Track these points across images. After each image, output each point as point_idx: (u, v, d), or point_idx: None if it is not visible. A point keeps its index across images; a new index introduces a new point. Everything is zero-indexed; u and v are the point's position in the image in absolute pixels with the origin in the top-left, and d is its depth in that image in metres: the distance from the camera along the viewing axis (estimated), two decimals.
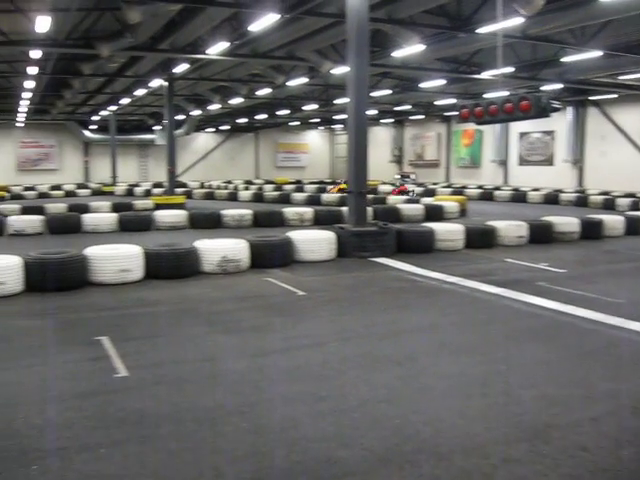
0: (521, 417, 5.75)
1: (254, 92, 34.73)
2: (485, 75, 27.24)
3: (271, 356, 7.64)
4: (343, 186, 41.87)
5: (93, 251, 12.36)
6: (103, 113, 45.95)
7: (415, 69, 27.81)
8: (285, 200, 34.08)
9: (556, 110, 13.30)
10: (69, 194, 42.88)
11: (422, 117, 49.97)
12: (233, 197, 38.19)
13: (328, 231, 15.45)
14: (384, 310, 10.27)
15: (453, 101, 36.75)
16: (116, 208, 27.20)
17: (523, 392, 6.39)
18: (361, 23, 15.47)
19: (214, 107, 40.05)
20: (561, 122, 38.32)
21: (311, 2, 16.41)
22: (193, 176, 57.30)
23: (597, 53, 22.32)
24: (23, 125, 51.25)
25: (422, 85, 31.67)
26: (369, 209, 19.21)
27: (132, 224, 21.98)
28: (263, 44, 22.46)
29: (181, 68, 26.59)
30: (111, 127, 47.89)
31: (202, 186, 49.86)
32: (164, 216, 22.90)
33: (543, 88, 29.31)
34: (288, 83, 29.79)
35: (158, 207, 27.36)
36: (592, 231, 18.96)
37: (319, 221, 22.87)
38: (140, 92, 34.05)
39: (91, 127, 53.21)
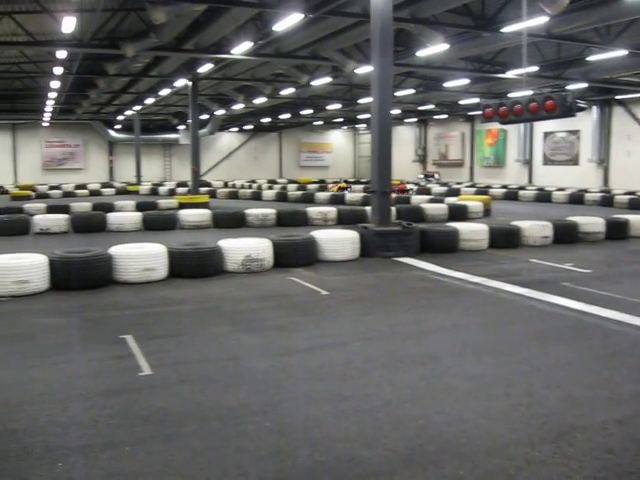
0: (545, 418, 5.71)
1: (278, 92, 34.80)
2: (509, 74, 27.13)
3: (295, 355, 7.65)
4: (342, 185, 42.46)
5: (118, 250, 12.43)
6: (128, 113, 46.28)
7: (439, 68, 27.75)
8: (309, 199, 34.10)
9: (581, 109, 13.22)
10: (94, 193, 43.22)
11: (446, 117, 49.84)
12: (257, 196, 38.27)
13: (351, 231, 15.44)
14: (408, 310, 10.25)
15: (477, 100, 36.60)
16: (140, 207, 27.39)
17: (547, 393, 6.35)
18: (385, 23, 15.44)
19: (238, 107, 40.17)
20: (586, 121, 38.04)
21: (335, 2, 16.43)
22: (217, 175, 57.53)
23: (622, 52, 22.14)
24: (48, 125, 51.75)
25: (446, 84, 31.59)
26: (392, 209, 19.16)
27: (156, 223, 22.11)
28: (287, 44, 22.50)
29: (205, 68, 26.69)
30: (136, 127, 48.20)
31: (226, 185, 50.03)
32: (188, 215, 23.00)
33: (568, 87, 29.08)
34: (312, 83, 29.82)
35: (182, 206, 27.50)
36: (617, 231, 18.78)
37: (342, 220, 22.87)
38: (164, 92, 34.23)
39: (116, 127, 53.62)
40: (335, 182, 47.80)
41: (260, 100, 36.69)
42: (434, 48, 20.24)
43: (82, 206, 27.15)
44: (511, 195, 38.11)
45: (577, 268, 13.91)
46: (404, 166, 53.00)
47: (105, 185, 48.59)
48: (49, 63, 27.74)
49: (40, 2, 18.21)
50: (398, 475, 4.76)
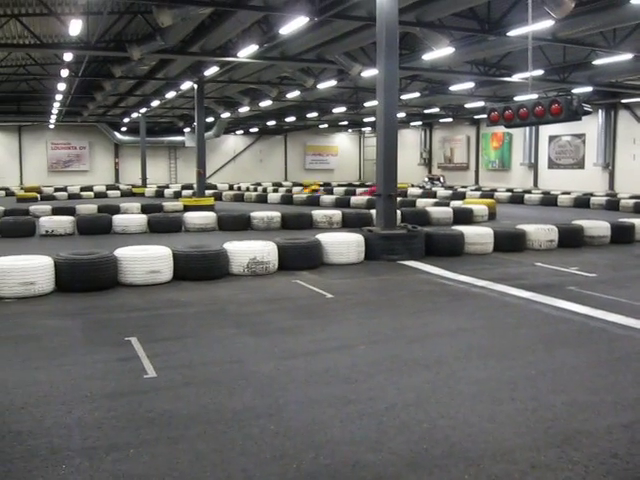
0: (551, 422, 5.69)
1: (283, 95, 34.87)
2: (515, 78, 27.14)
3: (299, 358, 7.64)
4: (315, 187, 42.97)
5: (123, 252, 12.45)
6: (134, 115, 46.38)
7: (444, 72, 27.79)
8: (314, 202, 34.10)
9: (587, 113, 13.18)
10: (99, 195, 43.24)
11: (451, 120, 49.85)
12: (262, 199, 38.27)
13: (357, 234, 15.43)
14: (413, 313, 10.24)
15: (482, 104, 36.60)
16: (146, 210, 27.42)
17: (553, 397, 6.33)
18: (391, 26, 15.45)
19: (244, 109, 40.26)
20: (592, 125, 38.04)
21: (341, 5, 16.45)
22: (222, 178, 57.63)
23: (628, 56, 22.16)
24: (54, 127, 51.86)
25: (451, 88, 31.65)
26: (398, 212, 19.14)
27: (161, 225, 22.11)
28: (293, 47, 22.54)
29: (211, 71, 26.74)
30: (141, 129, 48.29)
31: (231, 188, 50.08)
32: (193, 218, 23.01)
33: (573, 91, 29.08)
34: (317, 86, 29.86)
35: (187, 209, 27.53)
36: (623, 235, 18.73)
37: (348, 224, 22.85)
38: (170, 94, 34.33)
39: (122, 129, 53.69)
40: (306, 186, 48.64)
41: (266, 103, 36.74)
42: (440, 51, 20.26)
43: (87, 208, 27.20)
44: (516, 199, 38.04)
45: (582, 272, 13.88)
46: (409, 169, 52.99)
47: (110, 187, 48.66)
48: (55, 65, 27.84)
49: (47, 5, 18.27)
50: (403, 479, 4.75)
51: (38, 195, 40.56)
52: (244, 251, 13.39)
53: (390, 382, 6.75)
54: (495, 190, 41.95)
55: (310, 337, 8.64)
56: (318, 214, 23.74)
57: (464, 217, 24.33)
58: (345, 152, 65.26)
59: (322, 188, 44.23)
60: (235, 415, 5.87)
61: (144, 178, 48.45)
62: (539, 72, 25.99)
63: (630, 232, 18.97)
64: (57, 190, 44.95)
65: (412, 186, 46.74)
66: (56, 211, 26.44)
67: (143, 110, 43.40)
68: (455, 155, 53.53)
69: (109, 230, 21.80)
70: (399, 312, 10.27)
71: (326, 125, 57.38)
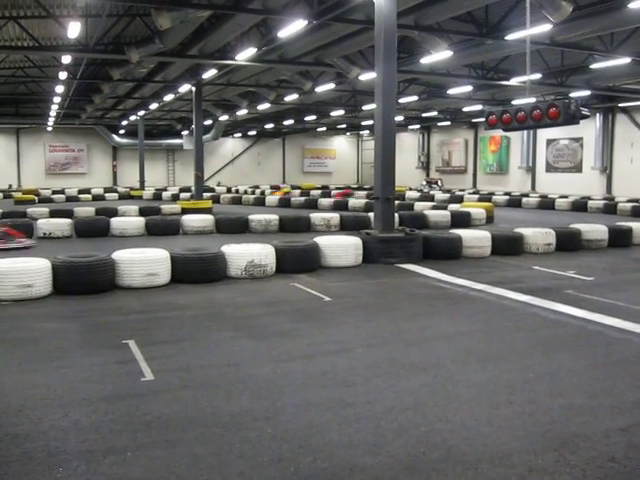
0: (548, 426, 5.69)
1: (282, 98, 34.87)
2: (513, 82, 27.18)
3: (297, 362, 7.63)
4: (286, 190, 43.35)
5: (121, 255, 12.44)
6: (132, 118, 46.33)
7: (442, 75, 27.83)
8: (312, 205, 34.10)
9: (585, 117, 13.21)
10: (97, 198, 43.20)
11: (449, 123, 49.88)
12: (260, 202, 38.25)
13: (354, 237, 15.44)
14: (411, 317, 10.24)
15: (480, 107, 36.67)
16: (144, 212, 27.44)
17: (550, 401, 6.33)
18: (389, 29, 15.46)
19: (242, 112, 40.28)
20: (589, 129, 38.11)
21: (339, 9, 16.46)
22: (220, 180, 57.55)
23: (625, 60, 22.20)
24: (52, 129, 51.82)
25: (449, 91, 31.66)
26: (396, 215, 19.15)
27: (159, 228, 22.10)
28: (291, 50, 22.56)
29: (209, 74, 26.74)
30: (139, 132, 48.24)
31: (229, 191, 50.07)
32: (191, 221, 23.00)
33: (571, 95, 29.11)
34: (316, 89, 29.87)
35: (185, 211, 27.53)
36: (621, 239, 18.76)
37: (346, 227, 22.86)
38: (169, 97, 34.33)
39: (120, 132, 53.64)
40: (278, 187, 49.58)
41: (264, 106, 36.74)
42: (438, 55, 20.28)
43: (85, 211, 27.21)
44: (514, 202, 38.04)
45: (580, 275, 13.89)
46: (407, 172, 53.01)
47: (108, 190, 48.61)
48: (54, 68, 27.84)
49: (45, 7, 18.27)
50: None
51: (36, 198, 40.54)
52: (242, 254, 13.38)
53: (388, 385, 6.75)
54: (493, 193, 41.99)
55: (308, 340, 8.64)
56: (316, 217, 23.74)
57: (462, 220, 24.33)
58: (343, 155, 65.29)
59: (293, 191, 44.82)
60: (232, 418, 5.87)
61: (142, 181, 48.41)
62: (537, 76, 26.03)
63: (627, 236, 19.00)
64: (55, 193, 44.90)
65: (410, 189, 46.74)
66: (54, 214, 26.41)
67: (141, 113, 43.39)
68: (453, 158, 53.57)
69: (107, 233, 21.78)
70: (397, 315, 10.27)
71: (324, 128, 57.40)
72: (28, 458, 5.05)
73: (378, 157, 16.08)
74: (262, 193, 45.40)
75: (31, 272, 11.16)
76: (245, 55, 21.44)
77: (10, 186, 46.10)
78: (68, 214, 25.79)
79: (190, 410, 6.06)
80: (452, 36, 20.54)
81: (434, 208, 28.59)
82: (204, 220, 23.19)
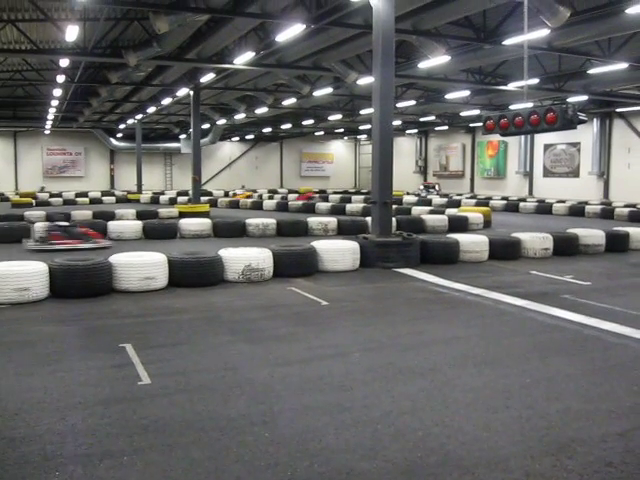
0: (545, 431, 5.69)
1: (279, 102, 34.91)
2: (510, 86, 27.22)
3: (294, 366, 7.63)
4: (248, 193, 46.14)
5: (118, 258, 12.43)
6: (129, 121, 46.34)
7: (440, 80, 27.84)
8: (309, 210, 34.11)
9: (582, 122, 13.21)
10: (94, 201, 43.16)
11: (446, 128, 49.95)
12: (257, 206, 38.26)
13: (352, 241, 15.43)
14: (408, 321, 10.24)
15: (478, 112, 36.72)
16: (141, 216, 27.40)
17: (547, 405, 6.33)
18: (387, 34, 15.47)
19: (240, 116, 40.30)
20: (587, 134, 38.16)
21: (337, 13, 16.48)
22: (218, 185, 57.60)
23: (623, 65, 22.25)
24: (50, 132, 51.83)
25: (447, 96, 31.73)
26: (393, 219, 19.14)
27: (157, 232, 22.09)
28: (289, 54, 22.57)
29: (207, 77, 26.76)
30: (137, 135, 48.24)
31: (226, 195, 50.06)
32: (189, 224, 22.99)
33: (569, 100, 29.16)
34: (314, 93, 29.89)
35: (183, 215, 27.52)
36: (618, 244, 18.78)
37: (343, 231, 22.87)
38: (166, 101, 34.32)
39: (117, 135, 53.65)
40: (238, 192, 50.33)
41: (262, 110, 36.77)
42: (435, 60, 20.31)
43: (83, 214, 27.17)
44: (511, 207, 38.07)
45: (577, 280, 13.90)
46: (405, 177, 53.07)
47: (106, 193, 48.59)
48: (52, 71, 27.86)
49: (43, 10, 18.28)
50: None
51: (33, 201, 40.49)
52: (239, 258, 13.38)
53: (385, 390, 6.75)
54: (490, 198, 42.00)
55: (305, 344, 8.63)
56: (313, 221, 23.75)
57: (459, 225, 24.36)
58: (341, 159, 65.34)
59: (256, 194, 45.47)
60: (229, 422, 5.86)
61: (139, 184, 48.39)
62: (534, 81, 26.07)
63: (625, 241, 19.03)
64: (52, 196, 44.88)
65: (407, 194, 46.76)
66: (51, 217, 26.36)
67: (139, 116, 43.37)
68: (450, 163, 53.61)
69: (104, 236, 21.73)
70: (394, 320, 10.27)
71: (322, 132, 57.44)
72: (24, 462, 5.04)
73: (376, 161, 16.09)
74: (260, 197, 45.40)
75: (28, 275, 11.15)
76: (243, 59, 21.45)
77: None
78: (65, 218, 25.73)
79: (187, 414, 6.06)
80: (450, 41, 20.57)
81: (431, 212, 28.66)
82: (202, 224, 23.18)
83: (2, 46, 23.52)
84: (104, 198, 45.07)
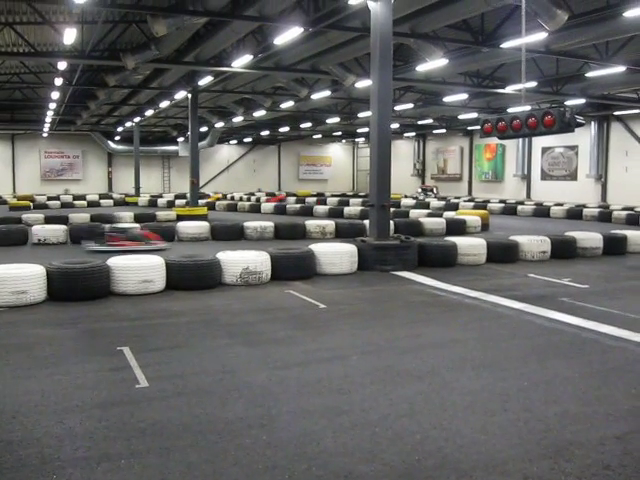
0: (543, 434, 5.69)
1: (277, 105, 34.91)
2: (508, 89, 27.23)
3: (292, 369, 7.62)
4: (217, 197, 46.91)
5: (115, 261, 12.43)
6: (127, 124, 46.33)
7: (438, 83, 27.88)
8: (307, 212, 34.10)
9: (580, 125, 13.22)
10: (92, 204, 43.13)
11: (444, 131, 49.93)
12: (255, 209, 38.25)
13: (350, 244, 15.43)
14: (406, 324, 10.23)
15: (475, 115, 36.74)
16: (139, 219, 27.37)
17: (545, 408, 6.33)
18: (385, 37, 15.49)
19: (237, 119, 40.30)
20: (584, 137, 38.19)
21: (335, 16, 16.49)
22: (216, 188, 57.63)
23: (620, 68, 22.27)
24: (48, 135, 51.78)
25: (445, 99, 31.74)
26: (391, 222, 19.14)
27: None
28: (287, 57, 22.58)
29: (205, 80, 26.76)
30: (135, 138, 48.18)
31: (224, 198, 50.04)
32: (186, 227, 22.97)
33: (566, 103, 29.19)
34: (312, 96, 29.91)
35: (180, 218, 27.50)
36: (615, 247, 18.80)
37: (341, 234, 22.87)
38: (164, 104, 34.34)
39: (115, 138, 53.63)
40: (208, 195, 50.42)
41: (260, 113, 36.77)
42: (433, 63, 20.33)
43: (80, 217, 27.16)
44: (509, 210, 38.10)
45: (575, 283, 13.91)
46: (403, 180, 53.08)
47: (103, 196, 48.56)
48: (49, 74, 27.84)
49: (41, 13, 18.28)
50: None
51: (31, 204, 40.47)
52: (237, 261, 13.38)
53: (383, 393, 6.74)
54: (488, 201, 42.03)
55: (303, 347, 8.63)
56: (311, 224, 23.73)
57: (457, 228, 24.37)
58: (339, 162, 65.35)
59: (228, 197, 46.15)
60: (227, 425, 5.85)
61: (137, 187, 48.37)
62: (532, 84, 26.10)
63: (622, 244, 19.05)
64: (50, 199, 44.84)
65: (405, 197, 46.80)
66: (49, 220, 26.35)
67: (137, 119, 43.37)
68: (448, 166, 53.64)
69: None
70: (392, 323, 10.26)
71: (320, 135, 57.47)
72: (22, 465, 5.03)
73: (373, 164, 16.09)
74: (257, 200, 45.37)
75: (25, 278, 11.13)
76: (241, 62, 21.45)
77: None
78: (63, 220, 25.75)
79: (184, 417, 6.05)
80: (448, 44, 20.58)
81: (429, 216, 28.63)
82: (199, 227, 23.15)
83: (0, 49, 23.50)
84: (102, 201, 45.05)
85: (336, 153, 65.44)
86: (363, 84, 24.25)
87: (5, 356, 8.10)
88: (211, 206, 37.87)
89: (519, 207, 38.12)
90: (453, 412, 6.23)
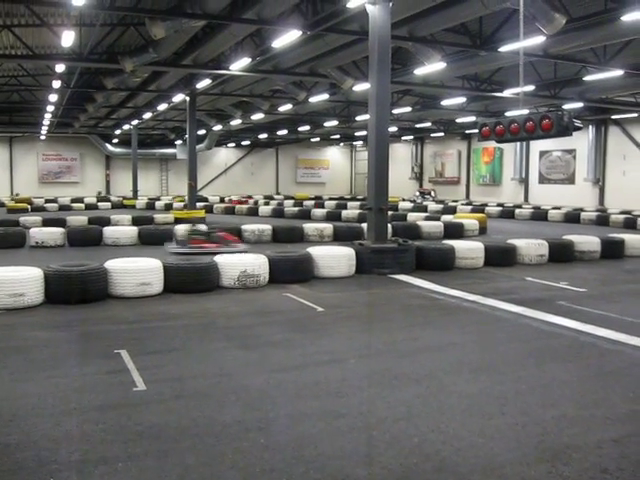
0: (541, 437, 5.69)
1: (275, 108, 34.91)
2: (506, 93, 27.26)
3: (290, 372, 7.62)
4: (180, 198, 46.07)
5: (113, 264, 12.41)
6: (125, 127, 46.29)
7: (436, 87, 27.89)
8: (305, 216, 34.10)
9: (578, 129, 13.22)
10: (90, 207, 43.07)
11: (442, 134, 49.95)
12: (253, 212, 38.23)
13: (347, 247, 15.42)
14: (403, 327, 10.23)
15: (473, 119, 36.75)
16: (137, 222, 27.35)
17: (543, 412, 6.33)
18: (383, 40, 15.50)
19: (235, 122, 40.27)
20: (582, 141, 38.24)
21: (333, 19, 16.49)
22: (213, 191, 57.53)
23: (618, 72, 22.29)
24: (46, 138, 51.72)
25: (443, 103, 31.76)
26: (389, 226, 19.15)
27: (152, 238, 22.01)
28: (285, 60, 22.58)
29: (203, 83, 26.74)
30: (133, 141, 48.16)
31: (222, 201, 50.01)
32: (185, 230, 22.89)
33: (564, 107, 29.22)
34: (310, 99, 29.92)
35: (178, 221, 27.46)
36: (613, 250, 18.80)
37: (339, 237, 22.84)
38: (162, 107, 34.32)
39: (113, 141, 53.57)
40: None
41: (258, 116, 36.78)
42: (431, 66, 20.33)
43: (78, 220, 27.15)
44: (507, 213, 38.08)
45: (573, 287, 13.91)
46: (400, 183, 53.04)
47: (101, 199, 48.49)
48: (47, 76, 27.82)
49: (39, 16, 18.25)
50: None
51: (28, 206, 40.42)
52: (235, 264, 13.37)
53: (380, 396, 6.74)
54: (486, 205, 42.01)
55: (300, 351, 8.62)
56: (309, 227, 23.72)
57: (455, 231, 24.36)
58: (337, 166, 65.35)
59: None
60: (225, 429, 5.85)
61: (135, 190, 48.30)
62: (530, 88, 26.12)
63: (620, 247, 19.05)
64: (48, 201, 44.78)
65: (403, 200, 46.75)
66: (46, 222, 26.32)
67: (135, 122, 43.35)
68: (446, 169, 53.67)
69: (100, 242, 21.71)
70: (390, 326, 10.26)
71: (318, 138, 57.46)
72: (19, 468, 5.03)
73: (371, 168, 16.09)
74: (255, 203, 45.35)
75: (23, 281, 11.12)
76: (239, 65, 21.45)
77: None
78: (61, 223, 25.71)
79: (182, 420, 6.04)
80: (446, 47, 20.60)
81: (427, 219, 28.62)
82: None
83: None
84: (100, 204, 44.96)
85: (334, 156, 65.45)
86: (361, 87, 24.26)
87: (2, 359, 8.09)
88: (209, 209, 37.82)
89: (517, 210, 38.10)
90: (451, 415, 6.23)
